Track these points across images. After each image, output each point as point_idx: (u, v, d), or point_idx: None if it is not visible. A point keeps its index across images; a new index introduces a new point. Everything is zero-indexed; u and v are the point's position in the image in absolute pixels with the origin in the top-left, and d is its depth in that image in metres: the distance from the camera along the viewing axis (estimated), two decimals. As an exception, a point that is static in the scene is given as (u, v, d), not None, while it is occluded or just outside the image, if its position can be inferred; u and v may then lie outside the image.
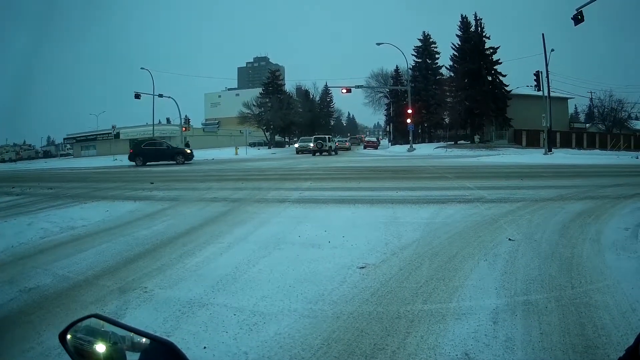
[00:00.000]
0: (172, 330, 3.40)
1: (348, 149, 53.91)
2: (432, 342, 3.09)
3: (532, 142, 42.09)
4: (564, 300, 3.75)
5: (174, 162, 30.29)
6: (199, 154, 42.54)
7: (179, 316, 3.68)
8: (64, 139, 77.92)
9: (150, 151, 31.26)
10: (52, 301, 4.17)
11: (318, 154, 39.03)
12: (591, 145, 43.38)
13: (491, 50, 46.08)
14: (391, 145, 58.01)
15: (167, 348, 1.07)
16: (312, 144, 40.60)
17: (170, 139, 61.64)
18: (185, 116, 63.79)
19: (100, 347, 1.12)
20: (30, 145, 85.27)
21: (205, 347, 3.11)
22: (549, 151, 30.45)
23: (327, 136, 43.78)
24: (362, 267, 4.83)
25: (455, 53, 48.10)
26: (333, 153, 40.34)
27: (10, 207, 10.33)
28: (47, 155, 79.91)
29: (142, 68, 49.34)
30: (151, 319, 3.62)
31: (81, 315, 1.22)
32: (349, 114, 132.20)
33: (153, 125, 53.91)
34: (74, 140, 72.14)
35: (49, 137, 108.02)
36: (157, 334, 1.15)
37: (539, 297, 3.83)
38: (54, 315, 3.77)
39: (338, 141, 50.88)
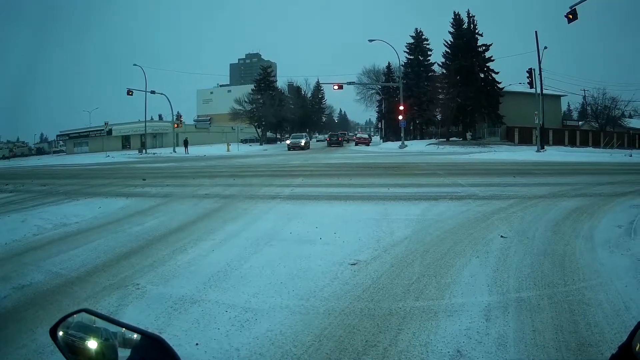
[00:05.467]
0: (164, 326, 3.39)
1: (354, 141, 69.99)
2: (424, 339, 3.10)
3: (525, 139, 42.09)
4: (557, 297, 3.78)
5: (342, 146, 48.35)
6: (191, 151, 42.56)
7: (171, 313, 3.67)
8: (57, 135, 77.10)
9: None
10: (45, 298, 4.15)
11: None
12: (584, 143, 43.43)
13: (484, 48, 46.10)
14: (383, 141, 57.79)
15: (157, 343, 1.07)
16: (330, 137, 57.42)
17: (162, 136, 61.93)
18: (177, 112, 63.27)
19: (92, 344, 1.11)
20: (23, 143, 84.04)
21: (197, 344, 3.10)
22: (541, 148, 30.53)
23: (344, 132, 71.65)
24: (354, 264, 4.83)
25: (448, 50, 47.94)
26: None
27: (4, 205, 10.25)
28: (40, 152, 78.99)
29: (134, 65, 48.98)
30: (143, 315, 3.61)
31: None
32: (340, 110, 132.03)
33: (145, 121, 53.43)
34: (67, 137, 71.35)
35: (42, 134, 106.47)
36: (148, 330, 1.15)
37: (532, 295, 3.85)
38: (47, 312, 3.75)
39: (348, 135, 72.25)
